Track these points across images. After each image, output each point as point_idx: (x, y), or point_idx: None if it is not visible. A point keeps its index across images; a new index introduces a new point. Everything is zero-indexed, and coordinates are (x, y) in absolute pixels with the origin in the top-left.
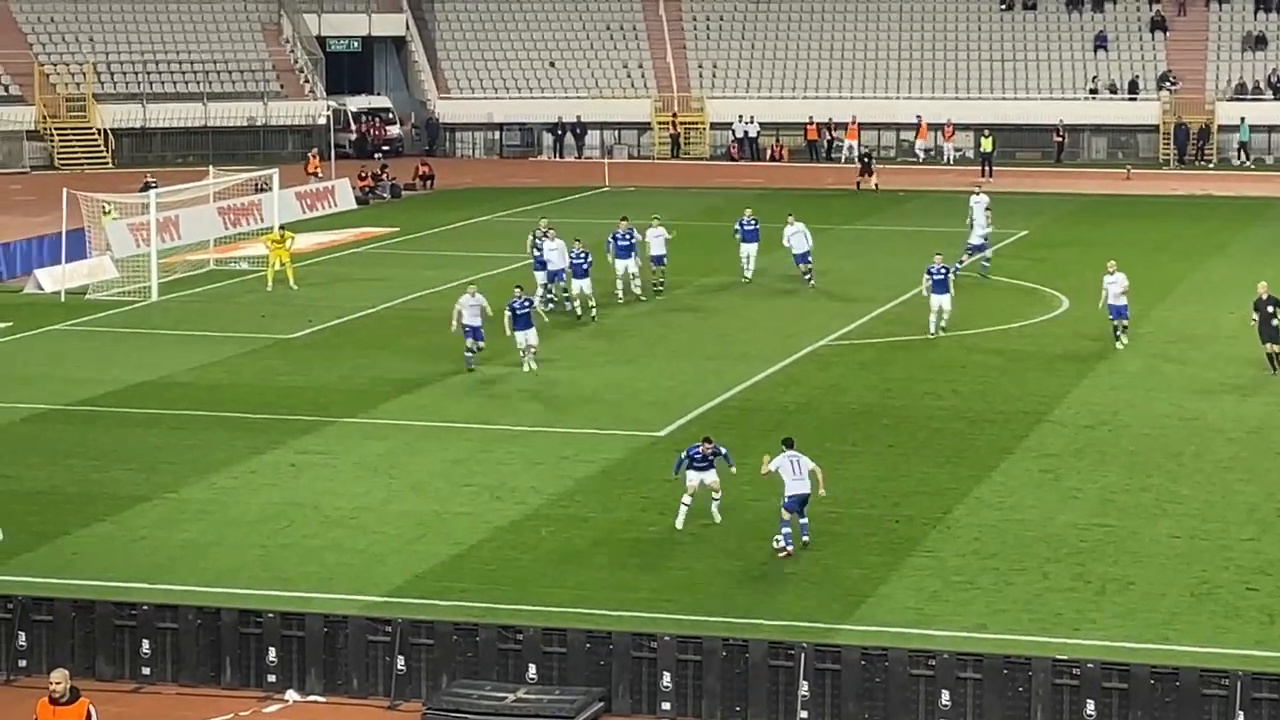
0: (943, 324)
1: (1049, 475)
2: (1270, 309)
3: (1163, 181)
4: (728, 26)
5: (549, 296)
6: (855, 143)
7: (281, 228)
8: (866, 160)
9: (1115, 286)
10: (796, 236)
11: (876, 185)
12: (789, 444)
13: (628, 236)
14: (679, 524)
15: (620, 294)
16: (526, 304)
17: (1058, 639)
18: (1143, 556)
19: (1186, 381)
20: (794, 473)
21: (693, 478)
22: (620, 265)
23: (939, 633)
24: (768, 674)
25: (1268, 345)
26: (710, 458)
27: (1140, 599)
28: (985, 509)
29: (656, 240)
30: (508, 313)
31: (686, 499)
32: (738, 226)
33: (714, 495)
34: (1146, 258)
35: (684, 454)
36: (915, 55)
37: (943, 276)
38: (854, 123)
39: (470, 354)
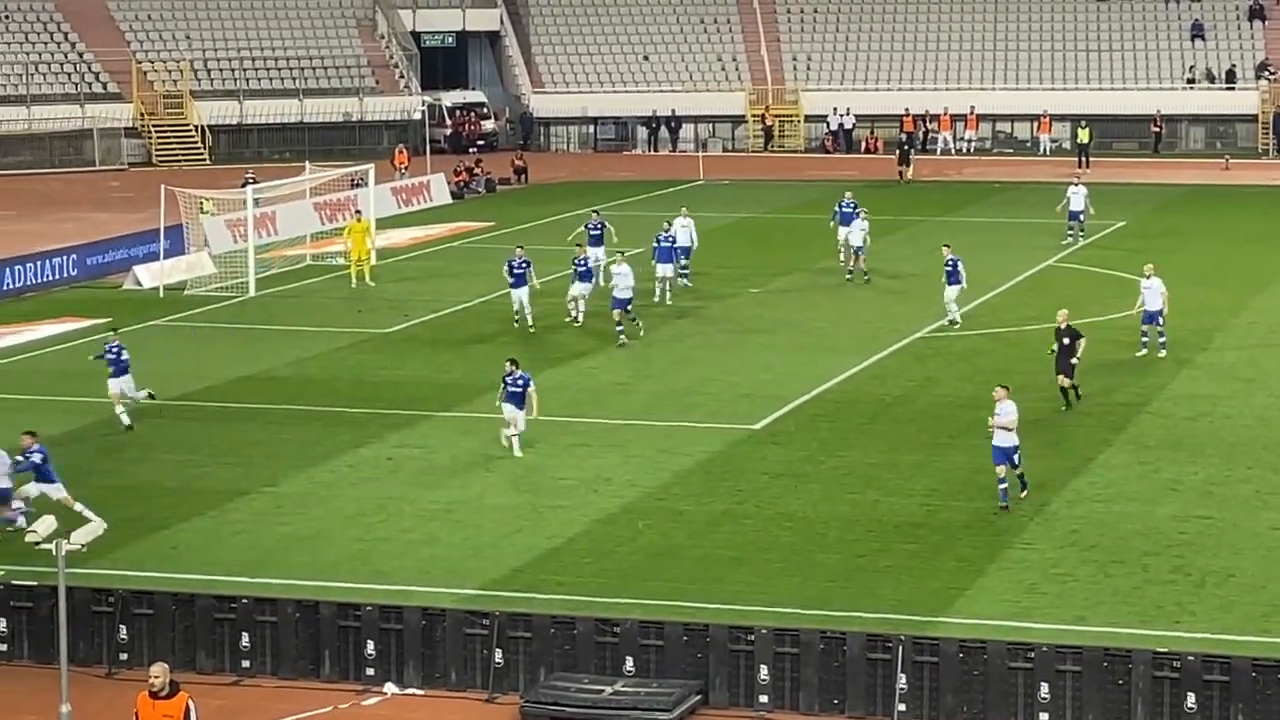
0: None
1: (1148, 467)
2: (1067, 340)
3: (1262, 171)
4: (821, 18)
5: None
6: (949, 134)
7: (357, 211)
8: (905, 150)
9: (1151, 292)
10: (854, 234)
11: (910, 178)
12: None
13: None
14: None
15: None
16: (524, 264)
17: (1157, 631)
18: (1243, 548)
19: None
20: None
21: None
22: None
23: (1037, 625)
24: (865, 667)
25: (1060, 378)
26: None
27: (1241, 591)
28: (1083, 501)
29: (683, 232)
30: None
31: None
32: (836, 210)
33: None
34: (1245, 248)
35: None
36: (1012, 46)
37: (952, 267)
38: (946, 114)
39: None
